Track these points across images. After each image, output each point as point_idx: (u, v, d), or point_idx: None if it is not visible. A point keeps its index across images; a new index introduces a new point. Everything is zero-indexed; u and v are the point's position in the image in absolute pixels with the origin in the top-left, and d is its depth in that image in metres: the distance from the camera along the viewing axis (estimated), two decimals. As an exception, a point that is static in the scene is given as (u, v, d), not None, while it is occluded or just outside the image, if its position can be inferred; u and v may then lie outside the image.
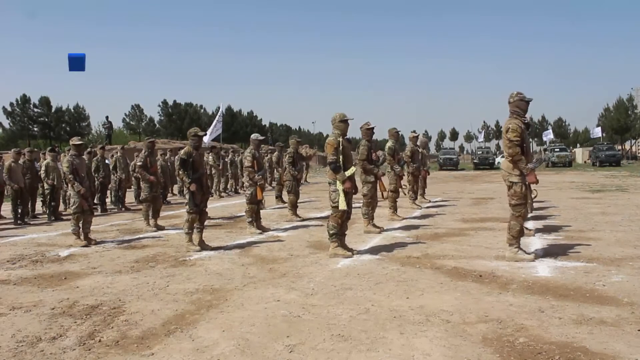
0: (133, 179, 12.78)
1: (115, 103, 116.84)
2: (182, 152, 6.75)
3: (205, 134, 15.22)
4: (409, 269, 5.23)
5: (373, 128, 7.65)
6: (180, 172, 6.67)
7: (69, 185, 7.29)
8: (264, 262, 5.80)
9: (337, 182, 5.76)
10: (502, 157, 5.79)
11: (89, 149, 12.19)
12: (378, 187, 7.66)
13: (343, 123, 5.95)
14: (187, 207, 6.53)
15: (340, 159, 5.80)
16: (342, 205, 5.74)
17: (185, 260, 6.02)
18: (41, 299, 4.49)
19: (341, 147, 5.83)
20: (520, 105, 5.46)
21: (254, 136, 8.44)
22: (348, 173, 5.81)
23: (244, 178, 8.49)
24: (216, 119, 19.95)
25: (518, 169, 5.33)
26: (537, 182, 5.39)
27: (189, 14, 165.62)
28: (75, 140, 7.51)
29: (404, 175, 9.27)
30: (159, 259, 6.12)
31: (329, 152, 5.82)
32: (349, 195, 5.89)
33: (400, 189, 9.15)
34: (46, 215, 10.86)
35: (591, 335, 3.28)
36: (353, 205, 6.22)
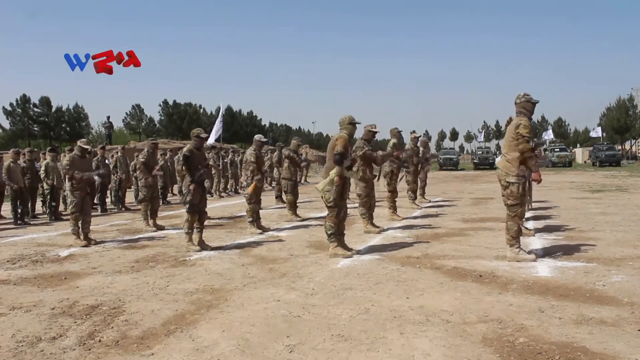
0: (133, 178, 12.80)
1: (115, 103, 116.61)
2: (184, 149, 6.78)
3: (208, 136, 15.24)
4: (409, 269, 5.23)
5: (376, 133, 7.62)
6: (182, 169, 6.70)
7: (69, 181, 7.25)
8: (264, 262, 5.80)
9: (332, 172, 5.79)
10: (501, 156, 5.80)
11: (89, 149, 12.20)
12: (376, 181, 7.68)
13: (352, 125, 6.12)
14: (187, 207, 6.54)
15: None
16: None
17: (185, 260, 6.02)
18: (41, 299, 4.49)
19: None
20: (526, 106, 5.50)
21: (257, 137, 8.49)
22: (352, 174, 5.87)
23: (243, 177, 8.48)
24: (218, 119, 20.00)
25: (526, 165, 5.34)
26: (540, 181, 5.42)
27: (189, 14, 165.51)
28: (83, 143, 7.57)
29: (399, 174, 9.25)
30: (159, 259, 6.12)
31: (340, 145, 5.88)
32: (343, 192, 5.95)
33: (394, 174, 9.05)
34: (46, 215, 10.87)
35: (591, 335, 3.28)
36: (350, 206, 6.24)
